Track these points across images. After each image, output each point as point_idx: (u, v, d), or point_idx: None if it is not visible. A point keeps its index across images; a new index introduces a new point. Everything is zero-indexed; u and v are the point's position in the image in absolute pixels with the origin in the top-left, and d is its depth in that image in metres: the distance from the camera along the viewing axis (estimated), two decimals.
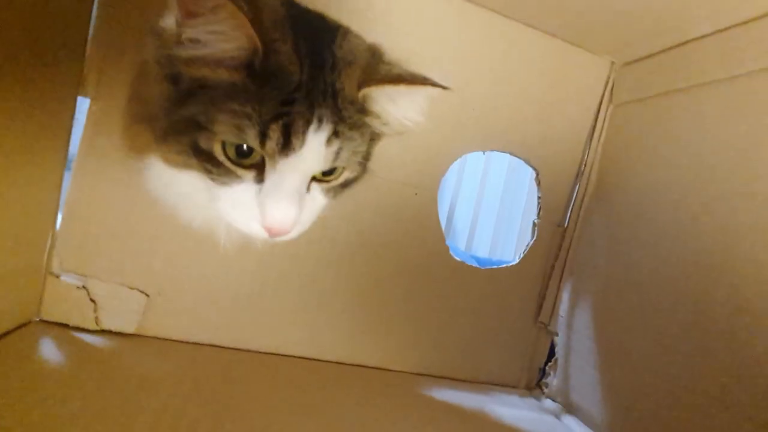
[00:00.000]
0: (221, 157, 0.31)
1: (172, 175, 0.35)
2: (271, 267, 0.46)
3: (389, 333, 0.50)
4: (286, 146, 0.30)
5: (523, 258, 0.54)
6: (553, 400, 0.51)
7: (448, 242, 0.51)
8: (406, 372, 0.50)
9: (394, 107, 0.34)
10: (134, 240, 0.42)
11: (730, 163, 0.37)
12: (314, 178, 0.34)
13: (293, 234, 0.33)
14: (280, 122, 0.29)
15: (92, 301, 0.41)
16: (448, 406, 0.45)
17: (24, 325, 0.39)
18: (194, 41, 0.30)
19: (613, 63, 0.52)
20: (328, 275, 0.48)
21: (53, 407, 0.29)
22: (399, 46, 0.36)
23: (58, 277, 0.40)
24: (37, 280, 0.40)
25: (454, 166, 0.52)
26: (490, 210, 0.74)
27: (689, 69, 0.43)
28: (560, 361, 0.52)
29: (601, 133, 0.52)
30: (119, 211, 0.42)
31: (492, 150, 0.52)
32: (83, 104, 0.41)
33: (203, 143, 0.31)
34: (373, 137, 0.37)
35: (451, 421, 0.42)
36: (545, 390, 0.53)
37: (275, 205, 0.31)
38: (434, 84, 0.32)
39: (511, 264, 0.54)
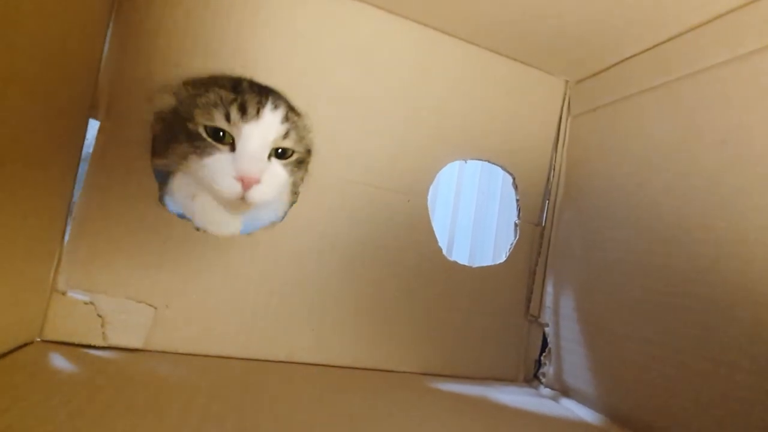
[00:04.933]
0: (204, 135, 0.44)
1: (171, 182, 0.45)
2: (276, 276, 0.48)
3: (392, 335, 0.52)
4: (245, 115, 0.43)
5: (508, 257, 0.58)
6: (551, 388, 0.54)
7: None
8: (410, 372, 0.52)
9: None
10: (141, 253, 0.43)
11: (668, 155, 0.44)
12: (275, 155, 0.46)
13: (262, 193, 0.43)
14: (237, 102, 0.44)
15: (99, 316, 0.41)
16: (453, 397, 0.47)
17: (26, 345, 0.38)
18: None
19: (567, 81, 0.60)
20: (331, 283, 0.50)
21: (70, 415, 0.28)
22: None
23: (64, 294, 0.40)
24: (41, 298, 0.39)
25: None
26: (466, 219, 0.79)
27: (629, 81, 0.51)
28: (552, 350, 0.55)
29: (564, 140, 0.59)
30: (126, 226, 0.43)
31: (472, 158, 0.58)
32: (93, 126, 0.43)
33: (191, 127, 0.44)
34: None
35: (458, 410, 0.43)
36: (543, 380, 0.55)
37: (244, 158, 0.43)
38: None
39: (498, 263, 0.58)
